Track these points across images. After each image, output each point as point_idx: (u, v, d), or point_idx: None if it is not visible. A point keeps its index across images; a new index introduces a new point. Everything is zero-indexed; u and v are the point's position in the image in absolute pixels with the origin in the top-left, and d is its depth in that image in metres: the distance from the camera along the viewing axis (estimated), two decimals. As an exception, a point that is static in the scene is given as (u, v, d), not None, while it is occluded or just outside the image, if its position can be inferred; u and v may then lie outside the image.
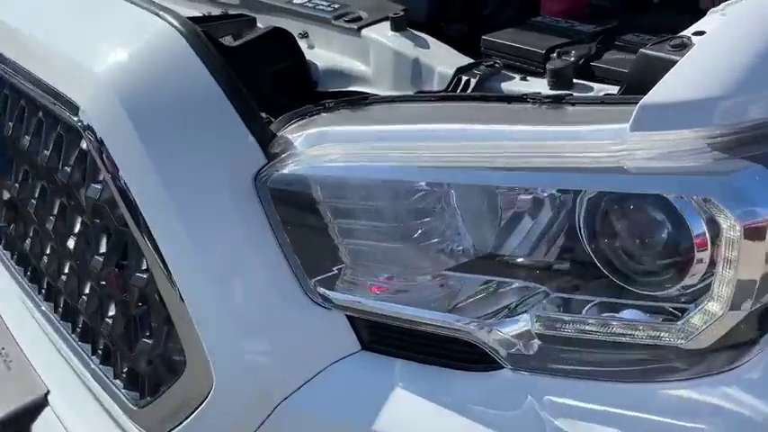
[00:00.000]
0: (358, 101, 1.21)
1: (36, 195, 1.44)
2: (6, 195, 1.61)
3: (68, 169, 1.28)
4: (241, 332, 1.16)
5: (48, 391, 1.57)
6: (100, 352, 1.40)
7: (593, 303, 1.08)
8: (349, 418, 1.14)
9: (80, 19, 1.31)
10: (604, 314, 1.06)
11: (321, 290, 1.15)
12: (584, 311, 1.08)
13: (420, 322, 1.12)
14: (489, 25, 1.47)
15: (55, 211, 1.39)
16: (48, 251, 1.47)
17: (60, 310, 1.51)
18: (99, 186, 1.22)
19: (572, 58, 1.32)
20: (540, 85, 1.25)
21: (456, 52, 1.33)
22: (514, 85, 1.26)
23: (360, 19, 1.42)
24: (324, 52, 1.46)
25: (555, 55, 1.34)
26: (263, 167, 1.14)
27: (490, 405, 1.09)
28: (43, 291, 1.57)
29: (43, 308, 1.56)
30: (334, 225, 1.13)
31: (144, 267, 1.21)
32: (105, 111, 1.15)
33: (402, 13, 1.35)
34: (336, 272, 1.15)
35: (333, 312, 1.16)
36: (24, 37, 1.34)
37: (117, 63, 1.16)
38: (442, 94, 1.23)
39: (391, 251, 1.13)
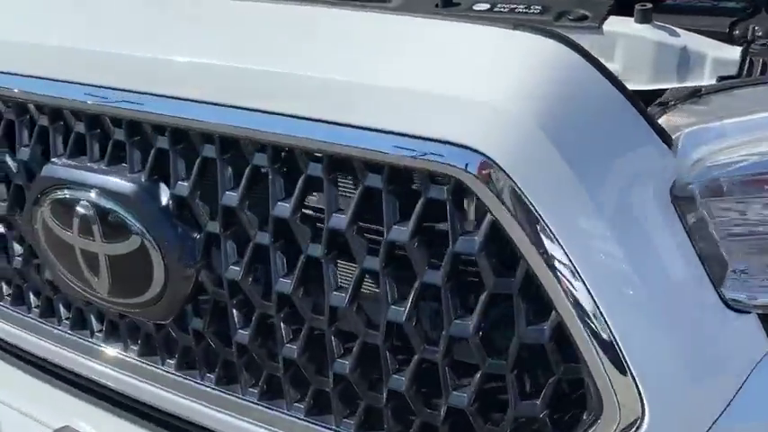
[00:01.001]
0: (691, 95, 1.17)
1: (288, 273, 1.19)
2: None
3: (403, 229, 1.08)
4: (675, 354, 1.07)
5: None
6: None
7: None
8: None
9: (382, 48, 1.11)
10: None
11: (737, 294, 1.10)
12: None
13: None
14: None
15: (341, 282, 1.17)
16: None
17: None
18: (472, 238, 1.05)
19: (760, 33, 1.37)
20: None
21: (704, 37, 1.32)
22: (786, 61, 1.28)
23: (585, 17, 1.34)
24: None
25: (739, 32, 1.38)
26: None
27: None
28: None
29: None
30: (740, 224, 1.09)
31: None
32: (517, 146, 0.99)
33: (649, 5, 1.30)
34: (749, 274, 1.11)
35: (746, 316, 1.11)
36: (310, 81, 1.10)
37: (522, 91, 1.00)
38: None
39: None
